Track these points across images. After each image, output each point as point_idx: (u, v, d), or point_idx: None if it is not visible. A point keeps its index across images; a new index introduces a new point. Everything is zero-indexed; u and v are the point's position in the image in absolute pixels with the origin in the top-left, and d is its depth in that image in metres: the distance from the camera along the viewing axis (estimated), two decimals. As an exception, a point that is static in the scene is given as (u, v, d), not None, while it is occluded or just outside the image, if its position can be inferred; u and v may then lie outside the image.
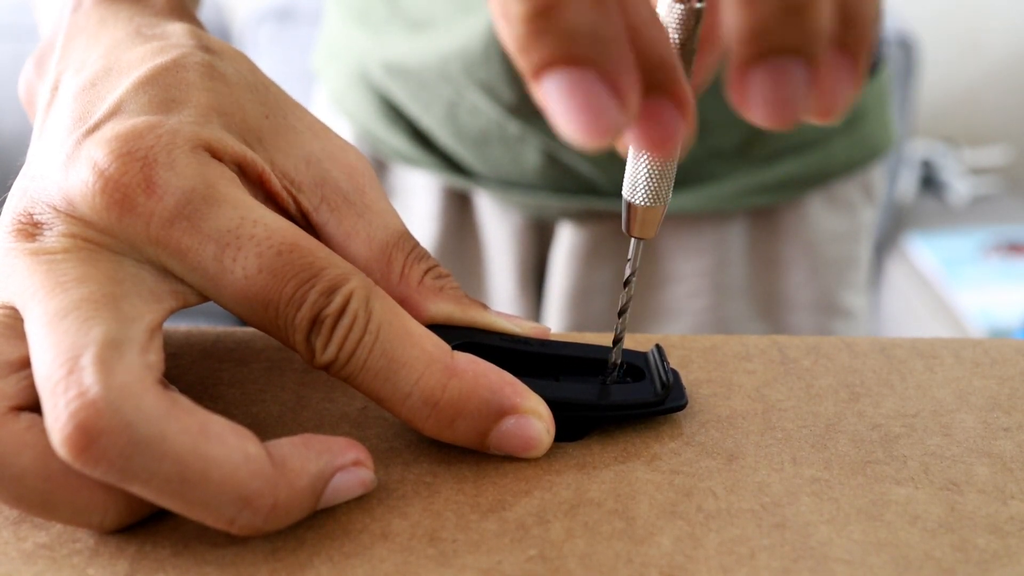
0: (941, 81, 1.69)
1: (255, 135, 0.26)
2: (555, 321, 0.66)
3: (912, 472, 0.25)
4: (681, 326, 0.64)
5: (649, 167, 0.23)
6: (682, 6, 0.22)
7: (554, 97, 0.18)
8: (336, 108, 0.66)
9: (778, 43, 0.19)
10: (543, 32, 0.18)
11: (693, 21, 0.22)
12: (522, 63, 0.18)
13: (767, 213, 0.63)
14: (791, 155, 0.60)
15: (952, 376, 0.29)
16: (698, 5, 0.22)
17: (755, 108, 0.19)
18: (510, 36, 0.18)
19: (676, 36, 0.22)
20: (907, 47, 1.45)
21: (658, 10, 0.23)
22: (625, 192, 0.24)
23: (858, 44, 0.20)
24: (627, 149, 0.24)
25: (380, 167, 0.67)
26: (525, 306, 0.67)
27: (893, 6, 1.41)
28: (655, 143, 0.20)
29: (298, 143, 0.27)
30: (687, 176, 0.59)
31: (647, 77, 0.19)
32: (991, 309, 1.41)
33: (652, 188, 0.24)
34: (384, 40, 0.60)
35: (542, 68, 0.18)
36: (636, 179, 0.24)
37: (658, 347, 0.28)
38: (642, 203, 0.24)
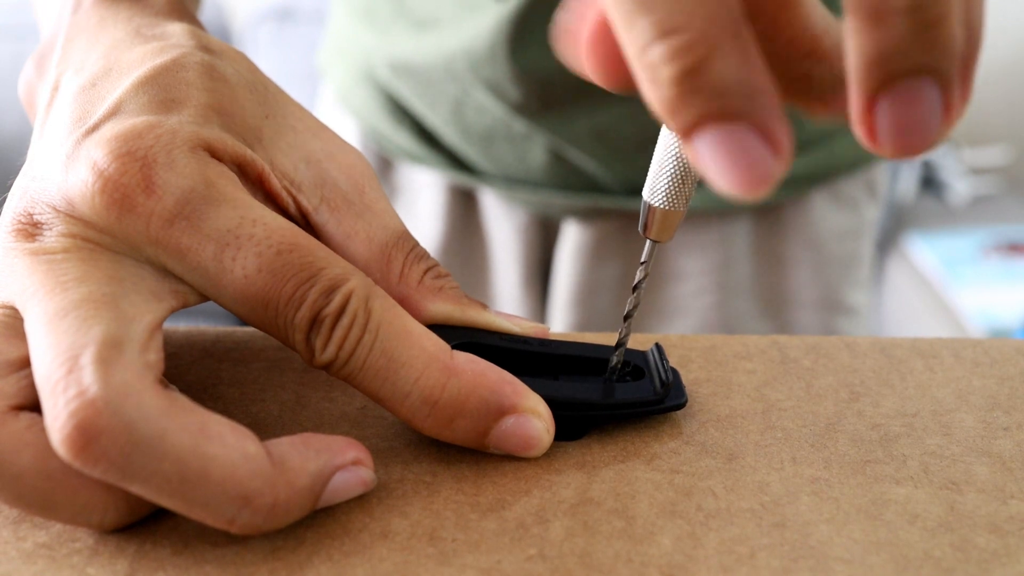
0: (941, 81, 1.68)
1: (255, 135, 0.26)
2: (560, 319, 0.66)
3: (912, 471, 0.25)
4: (686, 324, 0.64)
5: (673, 171, 0.23)
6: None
7: (709, 153, 0.18)
8: (342, 106, 0.67)
9: (912, 64, 0.17)
10: (694, 92, 0.17)
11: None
12: (673, 124, 0.18)
13: (772, 211, 0.63)
14: (796, 153, 0.60)
15: (952, 376, 0.29)
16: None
17: (887, 139, 0.18)
18: (658, 98, 0.17)
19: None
20: (907, 47, 1.45)
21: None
22: (645, 194, 0.24)
23: (971, 55, 0.19)
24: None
25: (386, 165, 0.67)
26: (530, 304, 0.67)
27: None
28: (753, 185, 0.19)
29: (298, 143, 0.27)
30: None
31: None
32: (991, 309, 1.41)
33: (674, 192, 0.23)
34: (390, 39, 0.60)
35: (695, 127, 0.18)
36: (658, 182, 0.23)
37: (657, 346, 0.28)
38: (662, 206, 0.24)
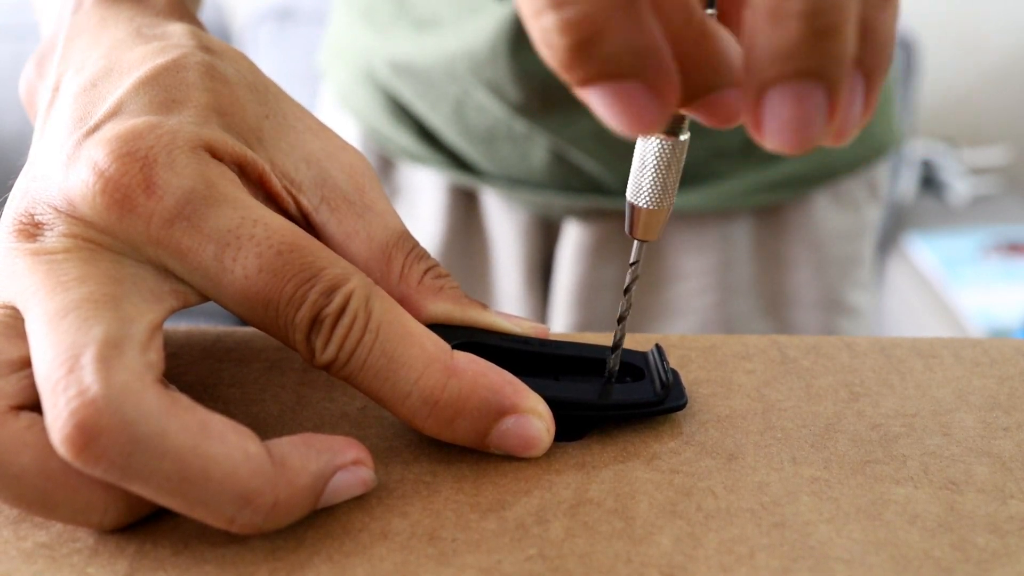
0: (941, 81, 1.69)
1: (255, 135, 0.26)
2: (561, 318, 0.66)
3: (911, 472, 0.25)
4: (687, 324, 0.65)
5: (654, 171, 0.23)
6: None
7: (599, 103, 0.19)
8: (342, 106, 0.67)
9: (802, 67, 0.18)
10: (586, 58, 0.18)
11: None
12: (565, 78, 0.19)
13: (773, 211, 0.63)
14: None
15: (952, 376, 0.29)
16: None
17: (771, 133, 0.19)
18: (552, 59, 0.18)
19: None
20: (907, 47, 1.45)
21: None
22: (629, 194, 0.24)
23: (876, 65, 0.19)
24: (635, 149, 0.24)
25: (387, 165, 0.67)
26: (531, 304, 0.67)
27: (893, 6, 1.41)
28: (722, 123, 0.20)
29: (298, 143, 0.27)
30: (692, 175, 0.59)
31: (701, 78, 0.19)
32: (991, 309, 1.41)
33: (656, 191, 0.23)
34: (390, 39, 0.60)
35: (586, 83, 0.18)
36: (640, 182, 0.23)
37: (658, 346, 0.28)
38: (646, 206, 0.24)
